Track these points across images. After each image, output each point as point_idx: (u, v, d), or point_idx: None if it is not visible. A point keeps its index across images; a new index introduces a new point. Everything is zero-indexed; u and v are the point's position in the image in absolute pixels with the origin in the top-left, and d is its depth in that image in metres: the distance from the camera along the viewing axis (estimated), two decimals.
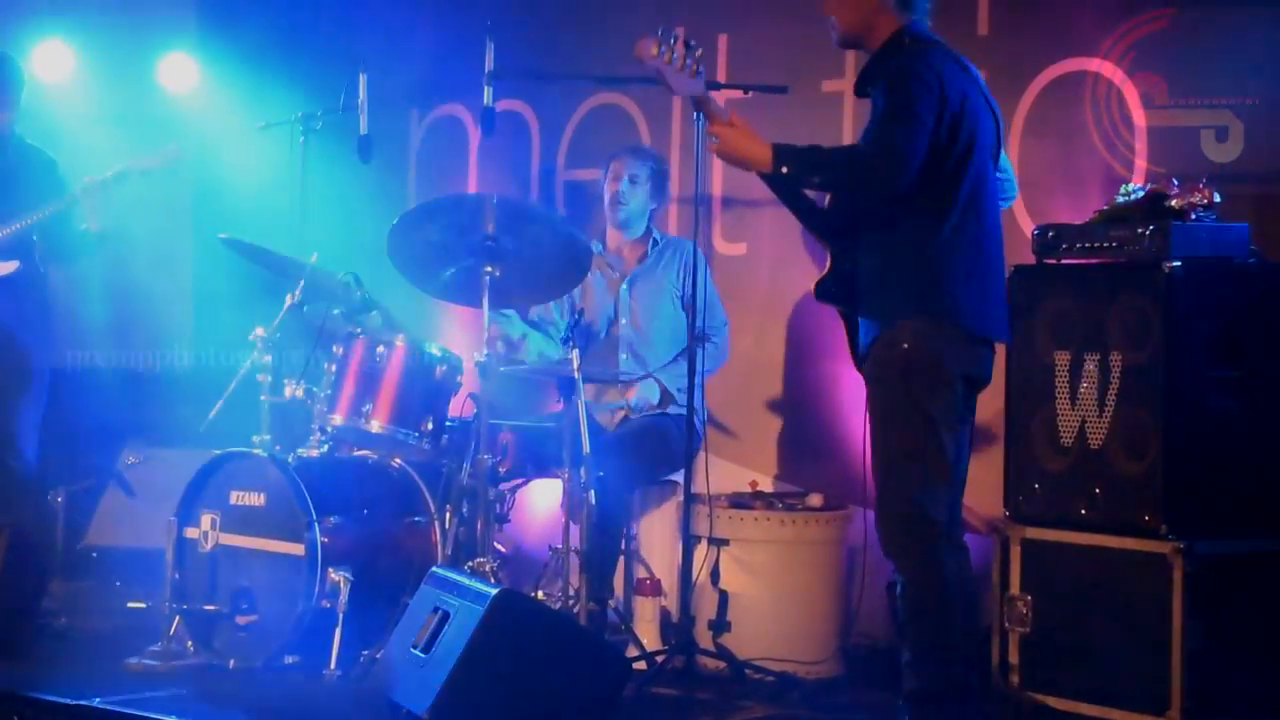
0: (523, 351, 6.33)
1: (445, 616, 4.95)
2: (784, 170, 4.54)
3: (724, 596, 5.89)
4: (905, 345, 4.54)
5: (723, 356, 6.38)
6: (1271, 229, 5.40)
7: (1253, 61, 5.54)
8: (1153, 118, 5.73)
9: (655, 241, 6.49)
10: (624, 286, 6.44)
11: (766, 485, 6.41)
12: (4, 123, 6.05)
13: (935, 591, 4.57)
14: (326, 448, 5.96)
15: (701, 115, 4.78)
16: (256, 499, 5.76)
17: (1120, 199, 5.30)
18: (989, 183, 4.67)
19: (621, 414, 6.33)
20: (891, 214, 4.58)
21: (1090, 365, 5.18)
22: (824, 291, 4.79)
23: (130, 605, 6.22)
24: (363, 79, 6.17)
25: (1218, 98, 5.60)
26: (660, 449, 6.18)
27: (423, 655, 4.93)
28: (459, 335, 6.97)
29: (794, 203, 4.80)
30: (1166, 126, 5.71)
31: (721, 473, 6.11)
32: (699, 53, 4.64)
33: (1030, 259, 5.37)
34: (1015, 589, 5.30)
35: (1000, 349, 4.93)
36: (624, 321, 6.44)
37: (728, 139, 4.61)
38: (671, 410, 6.27)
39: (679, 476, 5.93)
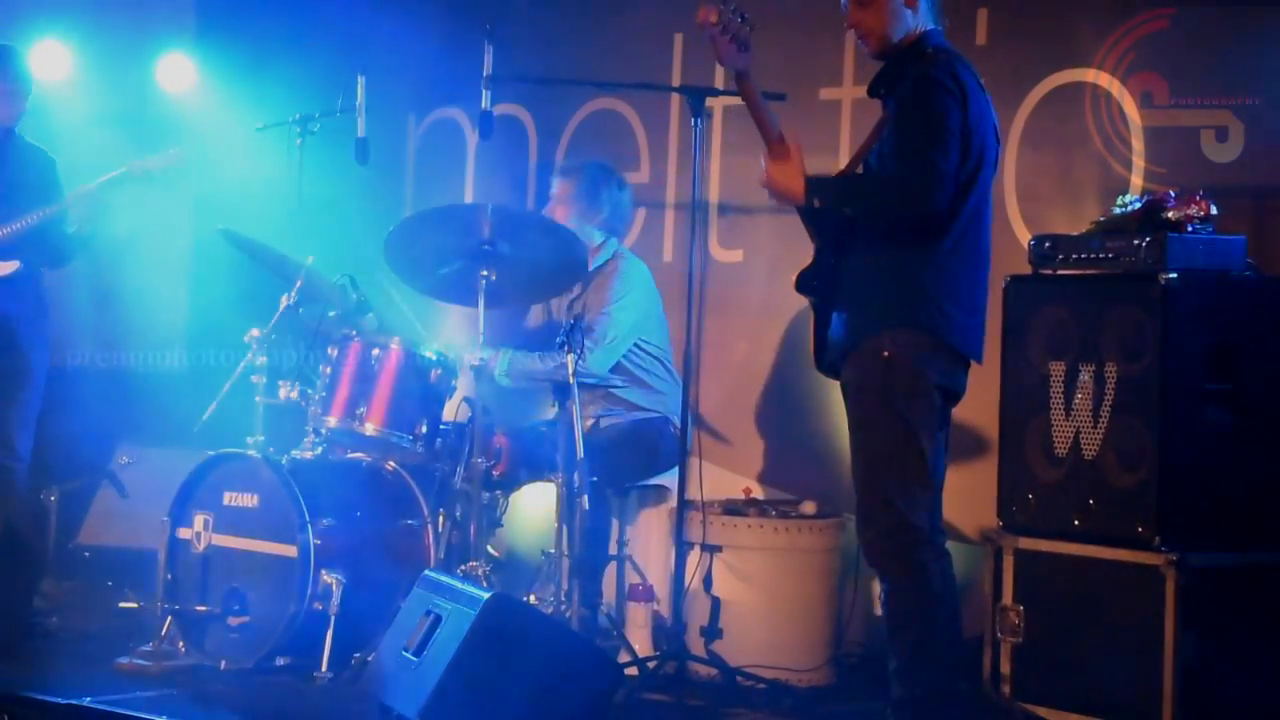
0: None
1: (437, 620, 4.95)
2: (815, 203, 4.60)
3: (716, 603, 5.89)
4: (886, 353, 4.54)
5: (601, 363, 6.25)
6: (1271, 231, 5.42)
7: (1253, 61, 5.55)
8: (1152, 118, 5.74)
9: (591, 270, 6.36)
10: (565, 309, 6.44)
11: (760, 492, 6.41)
12: (9, 120, 6.05)
13: (920, 598, 4.57)
14: (320, 450, 5.97)
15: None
16: (250, 500, 5.76)
17: (1117, 210, 5.31)
18: (989, 201, 4.67)
19: (591, 422, 6.29)
20: (892, 226, 4.59)
21: (1085, 376, 5.18)
22: (804, 283, 4.78)
23: (122, 605, 6.20)
24: (361, 81, 6.17)
25: (1218, 98, 5.61)
26: (639, 452, 6.19)
27: (414, 658, 4.93)
28: (454, 339, 6.96)
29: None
30: (1166, 127, 5.72)
31: (715, 479, 6.12)
32: (749, 27, 4.64)
33: (1026, 269, 5.38)
34: (1008, 599, 5.30)
35: (995, 359, 4.92)
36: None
37: (774, 179, 4.65)
38: (652, 415, 6.26)
39: (672, 483, 5.93)
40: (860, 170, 4.73)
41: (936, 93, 4.50)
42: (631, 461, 6.22)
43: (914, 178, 4.49)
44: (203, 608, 5.74)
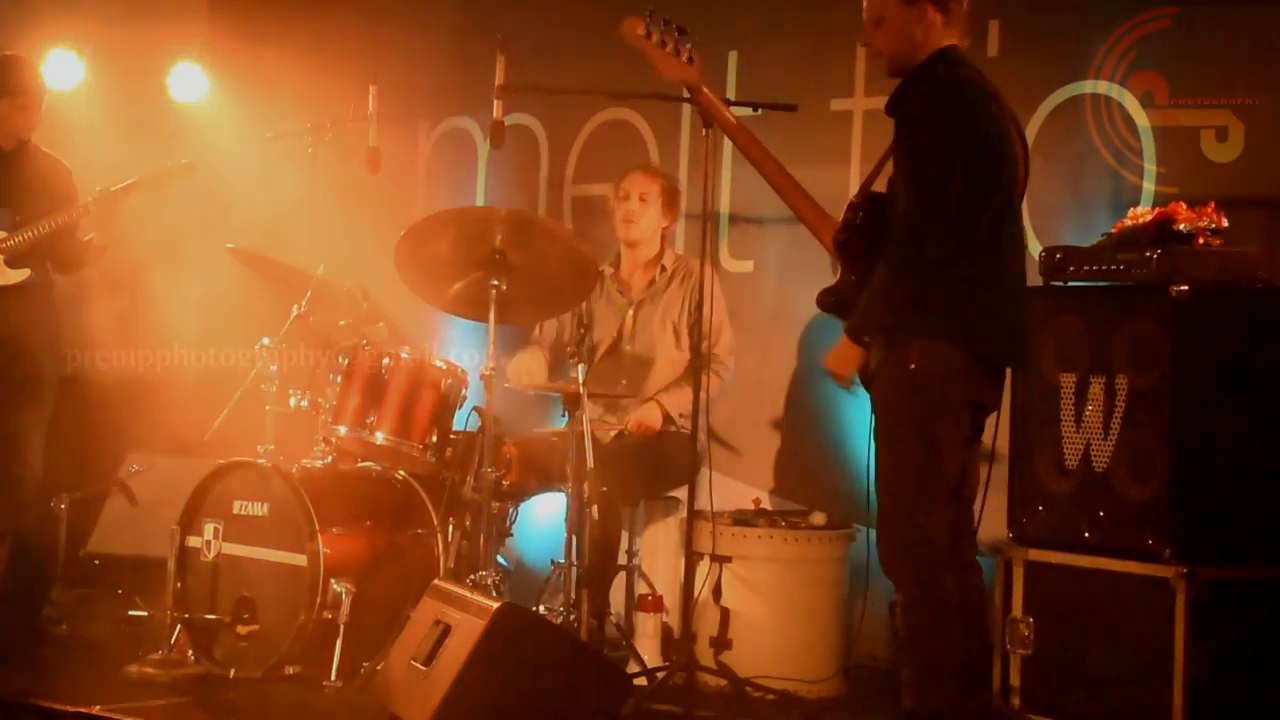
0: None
1: (446, 629, 4.95)
2: (866, 340, 4.58)
3: (726, 613, 5.88)
4: (912, 365, 4.51)
5: (725, 387, 6.36)
6: (1272, 231, 5.42)
7: (1253, 61, 5.55)
8: (1153, 118, 5.75)
9: (664, 268, 6.47)
10: (629, 312, 6.44)
11: (769, 503, 6.40)
12: (24, 130, 6.06)
13: (934, 612, 4.55)
14: (330, 458, 5.96)
15: (705, 118, 4.73)
16: (259, 509, 5.76)
17: (1129, 222, 5.31)
18: (1011, 211, 4.61)
19: (616, 430, 6.32)
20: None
21: (1096, 388, 5.18)
22: (825, 301, 4.77)
23: (131, 613, 6.21)
24: (372, 90, 6.18)
25: (1218, 98, 5.61)
26: (657, 465, 6.17)
27: (423, 668, 4.92)
28: (464, 348, 6.97)
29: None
30: (1167, 127, 5.72)
31: (725, 490, 6.11)
32: (689, 40, 4.57)
33: (1038, 280, 5.37)
34: (1017, 611, 5.29)
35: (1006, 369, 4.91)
36: (626, 348, 6.44)
37: (835, 364, 4.65)
38: (670, 428, 6.27)
39: (682, 493, 5.92)
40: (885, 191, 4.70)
41: (942, 135, 4.43)
42: (650, 474, 6.19)
43: (923, 256, 4.45)
44: (212, 616, 5.74)
